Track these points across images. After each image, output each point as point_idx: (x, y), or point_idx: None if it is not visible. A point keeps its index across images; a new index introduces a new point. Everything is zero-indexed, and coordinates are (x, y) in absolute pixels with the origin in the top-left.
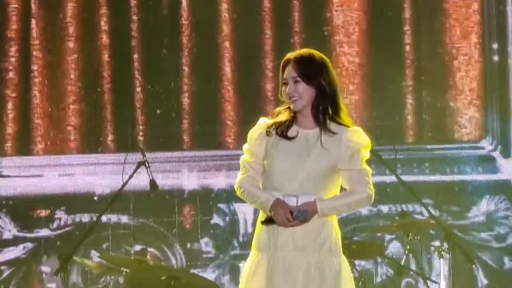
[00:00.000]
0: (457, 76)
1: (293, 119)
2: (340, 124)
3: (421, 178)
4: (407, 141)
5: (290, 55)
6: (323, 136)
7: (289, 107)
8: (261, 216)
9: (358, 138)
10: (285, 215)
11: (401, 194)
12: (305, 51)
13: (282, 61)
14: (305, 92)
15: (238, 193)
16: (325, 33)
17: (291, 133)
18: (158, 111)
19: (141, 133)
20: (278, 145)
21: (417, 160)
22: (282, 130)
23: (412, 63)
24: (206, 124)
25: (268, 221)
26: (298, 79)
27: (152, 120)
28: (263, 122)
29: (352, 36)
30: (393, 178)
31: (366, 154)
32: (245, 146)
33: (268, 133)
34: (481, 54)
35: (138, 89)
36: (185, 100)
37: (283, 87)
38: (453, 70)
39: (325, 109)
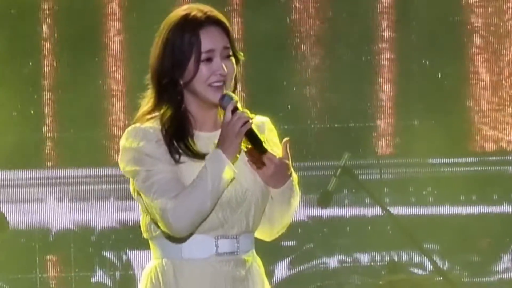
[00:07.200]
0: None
1: (183, 121)
2: None
3: (421, 210)
4: (398, 153)
5: (208, 10)
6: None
7: (176, 103)
8: None
9: (275, 135)
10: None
11: (390, 235)
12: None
13: (186, 15)
14: (233, 74)
15: (176, 223)
16: None
17: (200, 146)
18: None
19: None
20: (194, 169)
21: (415, 183)
22: (187, 147)
23: None
24: (84, 128)
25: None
26: (231, 52)
27: None
28: (146, 132)
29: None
30: (377, 211)
31: None
32: (131, 163)
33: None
34: None
35: None
36: (49, 94)
37: (201, 64)
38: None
39: None
